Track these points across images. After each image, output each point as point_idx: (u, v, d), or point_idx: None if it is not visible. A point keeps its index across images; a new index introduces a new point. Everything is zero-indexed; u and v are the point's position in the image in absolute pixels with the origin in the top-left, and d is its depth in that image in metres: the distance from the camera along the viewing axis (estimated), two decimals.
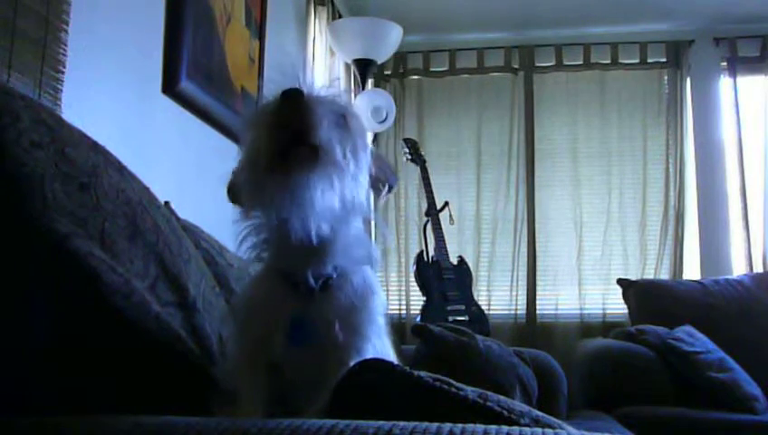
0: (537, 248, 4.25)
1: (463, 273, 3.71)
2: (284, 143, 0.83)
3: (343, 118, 0.89)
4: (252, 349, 0.93)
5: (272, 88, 0.89)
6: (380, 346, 0.94)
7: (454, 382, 0.72)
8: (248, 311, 0.96)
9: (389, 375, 0.74)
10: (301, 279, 0.90)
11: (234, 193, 0.94)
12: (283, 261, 0.92)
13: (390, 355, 0.96)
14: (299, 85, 0.87)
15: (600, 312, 4.14)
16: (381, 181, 0.97)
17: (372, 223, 1.00)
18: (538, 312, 4.19)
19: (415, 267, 3.69)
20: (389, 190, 0.98)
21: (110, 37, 1.81)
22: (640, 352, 3.03)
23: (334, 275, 0.92)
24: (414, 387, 0.72)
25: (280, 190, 0.83)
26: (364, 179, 0.91)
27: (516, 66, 4.40)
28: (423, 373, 0.73)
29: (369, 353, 0.91)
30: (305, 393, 0.91)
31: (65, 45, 1.52)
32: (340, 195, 0.85)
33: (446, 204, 3.79)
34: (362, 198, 0.91)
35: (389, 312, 4.25)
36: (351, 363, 0.85)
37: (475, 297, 3.80)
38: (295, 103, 0.84)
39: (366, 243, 0.95)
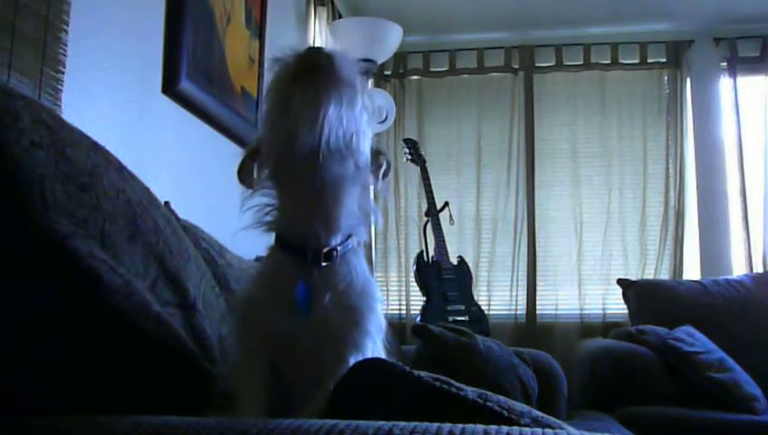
0: (537, 248, 4.25)
1: (463, 273, 3.71)
2: (310, 65, 0.91)
3: (353, 74, 0.96)
4: (252, 348, 0.93)
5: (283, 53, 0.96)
6: (379, 343, 0.95)
7: (454, 382, 0.72)
8: (248, 308, 0.98)
9: (390, 375, 0.74)
10: (309, 246, 0.94)
11: (243, 173, 0.99)
12: (290, 226, 0.96)
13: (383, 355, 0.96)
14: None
15: (600, 312, 4.14)
16: (381, 156, 1.02)
17: (372, 194, 1.04)
18: (538, 312, 4.19)
19: (415, 267, 3.69)
20: (388, 167, 1.03)
21: (110, 37, 1.81)
22: (640, 352, 3.03)
23: (338, 248, 0.95)
24: (414, 387, 0.72)
25: (300, 105, 0.89)
26: (368, 134, 0.97)
27: (516, 66, 4.40)
28: (423, 373, 0.73)
29: (368, 349, 0.91)
30: (303, 392, 0.91)
31: (65, 45, 1.52)
32: (349, 126, 0.92)
33: (446, 204, 3.79)
34: (366, 151, 0.97)
35: (390, 312, 4.27)
36: (351, 360, 0.85)
37: (475, 297, 3.80)
38: (318, 51, 0.93)
39: (367, 205, 1.00)
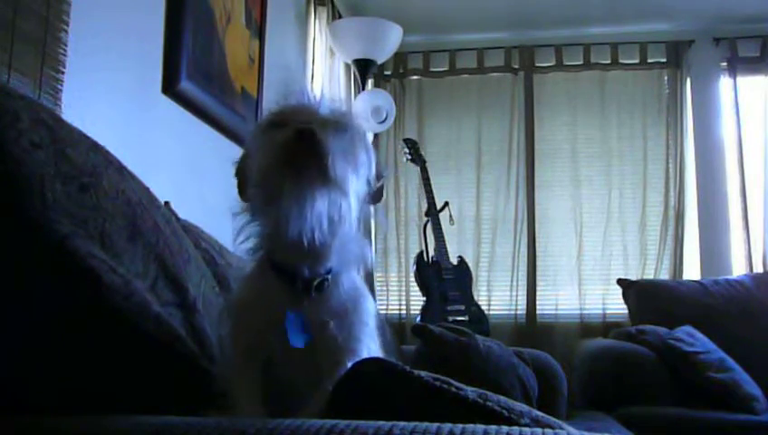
0: (537, 248, 4.25)
1: (463, 273, 3.71)
2: (296, 160, 0.86)
3: (348, 133, 0.92)
4: (246, 348, 0.93)
5: (278, 94, 0.95)
6: (374, 348, 0.95)
7: (454, 382, 0.72)
8: (242, 310, 0.97)
9: (390, 375, 0.74)
10: (298, 275, 0.91)
11: (240, 180, 0.97)
12: (279, 255, 0.93)
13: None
14: (305, 100, 0.93)
15: (600, 312, 4.14)
16: (376, 176, 0.99)
17: (372, 222, 1.02)
18: (538, 312, 4.19)
19: (415, 267, 3.69)
20: (379, 179, 1.01)
21: (110, 37, 1.81)
22: (640, 352, 3.03)
23: (329, 278, 0.93)
24: (414, 387, 0.72)
25: (287, 199, 0.86)
26: (364, 188, 0.94)
27: (516, 66, 4.40)
28: (423, 373, 0.73)
29: (364, 353, 0.91)
30: (301, 392, 0.91)
31: (65, 45, 1.52)
32: (340, 208, 0.89)
33: (446, 204, 3.79)
34: (362, 205, 0.94)
35: (390, 312, 4.28)
36: (349, 363, 0.85)
37: (475, 297, 3.80)
38: (308, 140, 0.86)
39: (361, 244, 0.97)
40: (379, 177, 0.99)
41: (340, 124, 0.91)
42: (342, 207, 0.89)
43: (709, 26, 4.24)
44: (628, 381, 2.92)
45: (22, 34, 1.39)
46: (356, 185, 0.91)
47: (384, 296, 4.27)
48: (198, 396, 0.89)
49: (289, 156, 0.86)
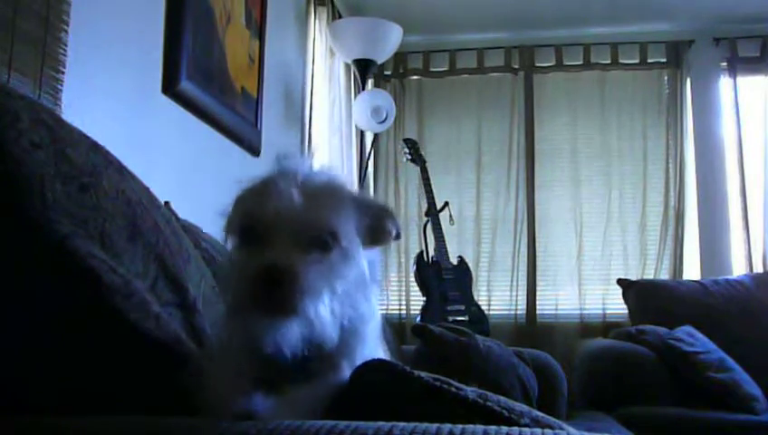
0: (537, 248, 4.25)
1: (463, 273, 3.71)
2: (265, 297, 0.76)
3: (332, 236, 0.80)
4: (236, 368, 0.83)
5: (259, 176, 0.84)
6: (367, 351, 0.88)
7: (454, 382, 0.72)
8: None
9: (390, 375, 0.74)
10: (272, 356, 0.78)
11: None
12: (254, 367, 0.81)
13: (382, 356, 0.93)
14: (285, 187, 0.80)
15: (600, 312, 4.14)
16: (382, 232, 0.88)
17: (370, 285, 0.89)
18: (538, 312, 4.19)
19: (415, 267, 3.69)
20: (397, 237, 0.90)
21: (110, 37, 1.81)
22: (640, 352, 3.03)
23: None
24: (414, 387, 0.72)
25: (258, 328, 0.77)
26: (354, 275, 0.83)
27: (516, 66, 4.40)
28: (423, 374, 0.73)
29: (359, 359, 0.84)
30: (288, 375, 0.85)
31: (65, 45, 1.52)
32: (324, 325, 0.78)
33: (446, 204, 3.79)
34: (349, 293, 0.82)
35: (390, 312, 4.27)
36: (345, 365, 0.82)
37: (475, 297, 3.80)
38: (278, 279, 0.75)
39: (363, 322, 0.85)
40: (379, 225, 0.88)
41: (323, 222, 0.79)
42: (325, 327, 0.77)
43: (709, 26, 4.24)
44: (628, 381, 2.92)
45: (22, 34, 1.39)
46: (345, 284, 0.80)
47: (384, 296, 4.27)
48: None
49: (257, 292, 0.75)
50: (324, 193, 0.82)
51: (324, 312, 0.77)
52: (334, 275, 0.79)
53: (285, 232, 0.78)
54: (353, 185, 0.87)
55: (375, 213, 0.87)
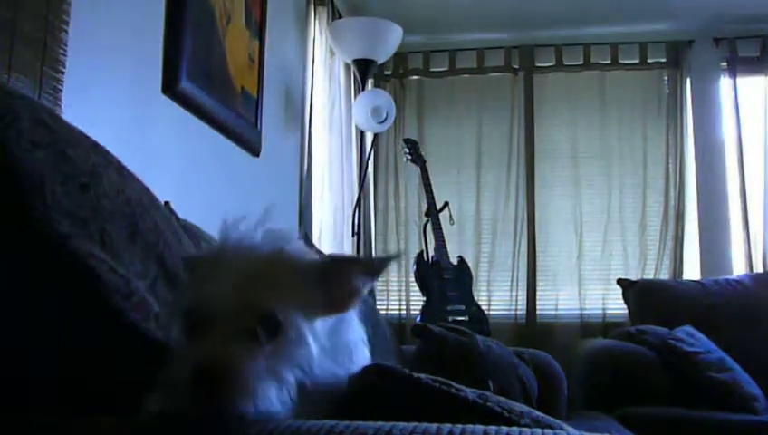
0: (537, 248, 4.25)
1: (463, 273, 3.71)
2: (205, 390, 0.69)
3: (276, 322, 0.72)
4: None
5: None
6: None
7: (453, 384, 0.72)
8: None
9: (390, 378, 0.74)
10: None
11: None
12: None
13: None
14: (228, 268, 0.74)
15: (600, 312, 4.14)
16: (349, 295, 0.80)
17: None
18: (538, 312, 4.19)
19: (415, 267, 3.69)
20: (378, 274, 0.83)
21: (110, 37, 1.81)
22: (640, 352, 3.03)
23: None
24: (414, 389, 0.72)
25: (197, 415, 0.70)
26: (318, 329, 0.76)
27: (516, 66, 4.40)
28: (423, 376, 0.73)
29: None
30: None
31: (65, 45, 1.52)
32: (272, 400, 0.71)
33: (446, 204, 3.79)
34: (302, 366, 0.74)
35: (390, 312, 4.27)
36: None
37: (475, 297, 3.80)
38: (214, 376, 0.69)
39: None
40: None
41: (268, 305, 0.73)
42: (272, 408, 0.70)
43: (709, 26, 4.24)
44: (628, 381, 2.92)
45: (22, 34, 1.39)
46: (299, 367, 0.73)
47: (384, 296, 4.27)
48: None
49: (194, 390, 0.69)
50: (272, 270, 0.75)
51: (269, 399, 0.69)
52: (282, 362, 0.71)
53: (227, 318, 0.71)
54: (304, 258, 0.76)
55: (332, 276, 0.79)
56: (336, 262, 0.81)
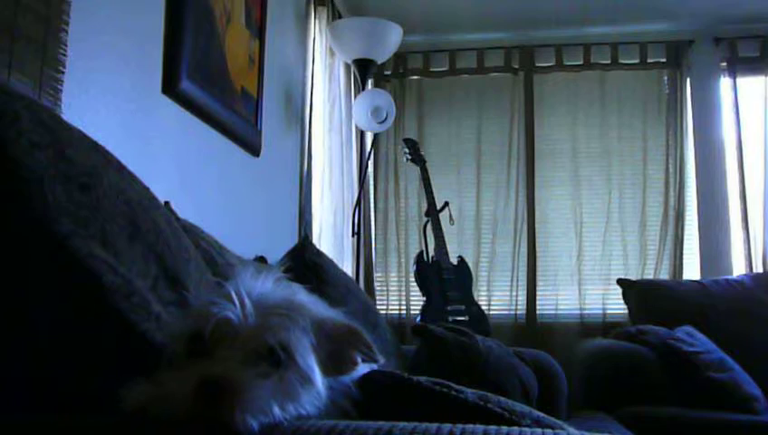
0: (537, 248, 4.25)
1: (463, 273, 3.71)
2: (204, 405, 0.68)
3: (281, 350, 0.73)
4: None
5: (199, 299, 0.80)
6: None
7: (454, 385, 0.72)
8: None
9: (390, 382, 0.74)
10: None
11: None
12: None
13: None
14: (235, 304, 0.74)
15: (600, 312, 4.14)
16: (344, 362, 0.80)
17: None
18: (538, 312, 4.19)
19: (415, 267, 3.69)
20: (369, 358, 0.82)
21: (110, 37, 1.81)
22: (640, 352, 3.03)
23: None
24: (415, 392, 0.72)
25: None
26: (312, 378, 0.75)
27: (516, 66, 4.40)
28: (423, 378, 0.73)
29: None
30: None
31: (65, 45, 1.52)
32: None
33: (446, 204, 3.79)
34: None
35: (390, 312, 4.27)
36: None
37: (475, 297, 3.80)
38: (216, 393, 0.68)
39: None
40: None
41: (275, 335, 0.73)
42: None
43: (709, 26, 4.24)
44: (628, 381, 2.92)
45: (22, 34, 1.39)
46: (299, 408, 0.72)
47: (384, 296, 4.27)
48: None
49: (196, 405, 0.68)
50: (280, 310, 0.76)
51: (272, 417, 0.68)
52: (286, 394, 0.70)
53: (234, 343, 0.72)
54: (315, 310, 0.77)
55: (338, 338, 0.80)
56: (340, 324, 0.81)
